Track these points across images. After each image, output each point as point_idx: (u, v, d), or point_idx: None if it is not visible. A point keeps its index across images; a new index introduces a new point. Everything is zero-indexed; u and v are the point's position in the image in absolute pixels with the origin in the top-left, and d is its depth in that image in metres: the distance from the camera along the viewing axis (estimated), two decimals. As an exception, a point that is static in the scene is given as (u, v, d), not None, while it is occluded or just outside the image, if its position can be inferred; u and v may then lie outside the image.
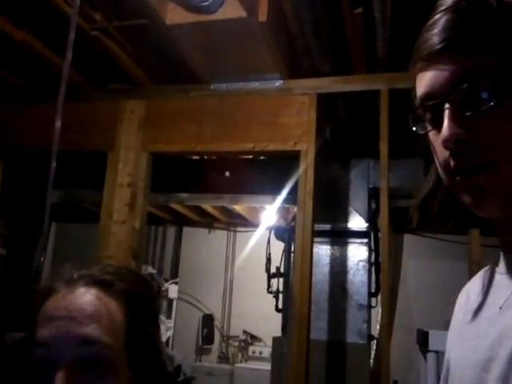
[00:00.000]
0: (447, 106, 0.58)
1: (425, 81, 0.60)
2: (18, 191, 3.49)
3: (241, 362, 5.31)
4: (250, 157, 3.25)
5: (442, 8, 0.59)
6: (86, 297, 0.71)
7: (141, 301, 0.76)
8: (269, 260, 3.80)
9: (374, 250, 3.29)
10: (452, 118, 0.57)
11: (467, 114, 0.57)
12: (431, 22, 0.60)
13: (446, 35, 0.57)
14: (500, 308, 0.62)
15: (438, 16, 0.59)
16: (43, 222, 1.65)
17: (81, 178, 3.40)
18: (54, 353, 0.67)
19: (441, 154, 0.61)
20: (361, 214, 3.29)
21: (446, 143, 0.58)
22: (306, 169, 2.47)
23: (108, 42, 2.36)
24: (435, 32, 0.58)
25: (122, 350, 0.70)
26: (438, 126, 0.60)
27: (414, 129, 0.64)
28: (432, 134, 0.62)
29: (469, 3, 0.57)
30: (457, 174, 0.59)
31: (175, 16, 2.17)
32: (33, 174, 3.08)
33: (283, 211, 3.97)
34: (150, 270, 5.23)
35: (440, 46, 0.57)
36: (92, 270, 0.75)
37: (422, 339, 2.20)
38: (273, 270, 3.78)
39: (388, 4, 2.21)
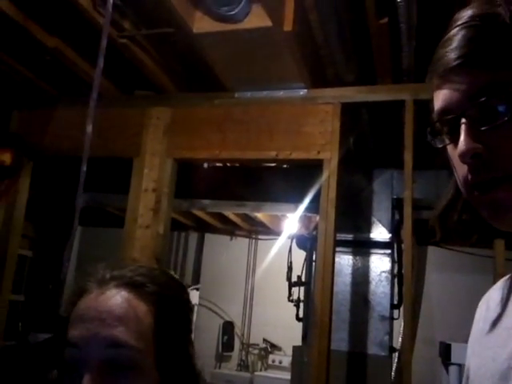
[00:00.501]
0: (463, 120, 0.59)
1: (441, 96, 0.62)
2: (46, 195, 3.57)
3: (260, 370, 5.29)
4: (273, 165, 3.27)
5: (457, 24, 0.61)
6: (115, 299, 0.71)
7: (172, 303, 0.76)
8: (290, 268, 3.80)
9: (397, 261, 3.25)
10: (468, 133, 0.58)
11: (483, 128, 0.58)
12: (446, 38, 0.61)
13: (461, 52, 0.58)
14: None
15: (452, 32, 0.61)
16: (72, 226, 1.69)
17: (106, 183, 3.45)
18: (83, 353, 0.68)
19: (459, 167, 0.62)
20: (384, 225, 3.26)
21: (463, 158, 0.59)
22: (328, 177, 2.47)
23: (136, 49, 2.41)
24: (450, 48, 0.60)
25: (151, 353, 0.70)
26: (455, 141, 0.61)
27: (432, 142, 0.65)
28: (450, 148, 0.63)
29: (482, 20, 0.59)
30: (475, 188, 0.60)
31: (202, 25, 2.21)
32: (61, 177, 3.15)
33: (305, 220, 3.97)
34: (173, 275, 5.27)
35: (456, 62, 0.59)
36: (124, 271, 0.76)
37: (445, 352, 2.17)
38: (294, 278, 3.77)
39: (414, 14, 2.20)
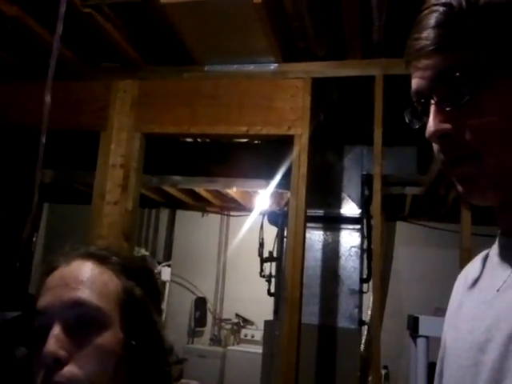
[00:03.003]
0: (432, 101, 0.62)
1: (414, 79, 0.65)
2: (8, 169, 3.46)
3: (233, 344, 5.35)
4: (245, 140, 3.24)
5: (425, 7, 0.64)
6: (81, 267, 0.76)
7: (137, 276, 0.80)
8: (261, 244, 3.82)
9: (366, 236, 3.30)
10: (436, 114, 0.61)
11: (447, 109, 0.60)
12: (416, 22, 0.65)
13: (428, 36, 0.62)
14: (497, 290, 0.63)
15: (421, 16, 0.64)
16: (32, 201, 1.65)
17: (74, 159, 3.38)
18: (50, 318, 0.72)
19: (434, 147, 0.64)
20: (354, 200, 3.29)
21: (431, 138, 0.62)
22: (299, 153, 2.46)
23: (101, 19, 2.33)
24: (419, 33, 0.63)
25: (116, 314, 0.74)
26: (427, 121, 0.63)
27: (411, 123, 0.68)
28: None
29: (447, 4, 0.61)
30: (447, 164, 0.63)
31: (170, -5, 2.14)
32: (23, 151, 3.05)
33: (277, 196, 3.98)
34: (143, 252, 5.24)
35: (422, 46, 0.62)
36: (89, 248, 0.81)
37: (413, 324, 2.22)
38: (266, 254, 3.79)
39: (385, -13, 2.18)
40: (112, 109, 2.65)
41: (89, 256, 0.78)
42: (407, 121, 0.68)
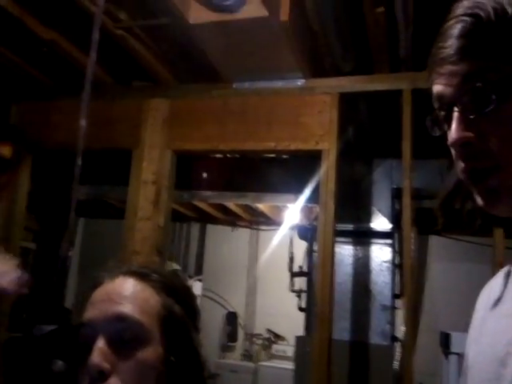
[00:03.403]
0: (455, 108, 0.61)
1: (438, 85, 0.64)
2: (47, 187, 3.58)
3: (264, 360, 5.33)
4: (273, 155, 3.27)
5: (452, 16, 0.64)
6: (124, 283, 0.81)
7: (176, 293, 0.84)
8: (291, 259, 3.82)
9: (398, 251, 3.26)
10: (459, 121, 0.60)
11: (471, 116, 0.59)
12: (441, 31, 0.65)
13: (453, 45, 0.62)
14: None
15: (447, 25, 0.64)
16: (69, 217, 1.70)
17: (108, 175, 3.47)
18: (94, 330, 0.76)
19: (455, 155, 0.63)
20: (384, 215, 3.27)
21: (453, 146, 0.61)
22: (327, 168, 2.47)
23: (132, 40, 2.41)
24: (445, 41, 0.63)
25: (156, 330, 0.77)
26: (450, 128, 0.63)
27: (432, 130, 0.67)
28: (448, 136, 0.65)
29: (474, 13, 0.61)
30: (469, 177, 0.62)
31: (198, 15, 2.20)
32: (62, 170, 3.17)
33: (306, 210, 3.97)
34: (175, 266, 5.30)
35: (449, 54, 0.62)
36: (131, 265, 0.86)
37: (445, 341, 2.18)
38: (296, 269, 3.78)
39: (410, 2, 2.19)
40: (144, 127, 2.72)
41: (131, 273, 0.82)
42: (428, 128, 0.67)
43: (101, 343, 0.74)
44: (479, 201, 0.62)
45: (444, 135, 0.65)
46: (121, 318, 0.76)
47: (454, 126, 0.61)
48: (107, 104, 2.80)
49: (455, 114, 0.61)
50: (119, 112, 2.82)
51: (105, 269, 0.85)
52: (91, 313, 0.78)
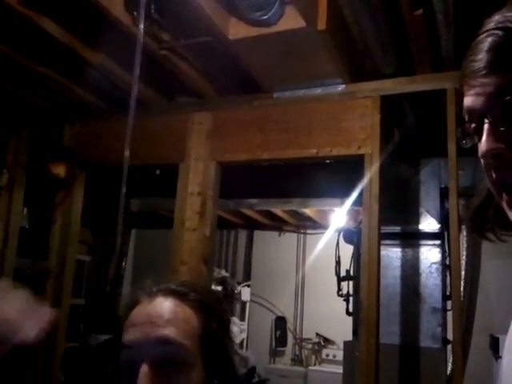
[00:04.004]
0: (486, 120, 0.62)
1: (469, 97, 0.65)
2: (101, 202, 3.73)
3: (314, 364, 5.32)
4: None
5: (484, 29, 0.64)
6: (164, 304, 0.80)
7: (213, 310, 0.84)
8: (338, 263, 3.80)
9: (448, 251, 3.20)
10: (490, 133, 0.61)
11: (502, 128, 0.60)
12: (473, 44, 0.65)
13: (485, 58, 0.62)
14: None
15: (479, 39, 0.64)
16: (121, 230, 1.79)
17: (157, 187, 3.58)
18: (138, 353, 0.76)
19: (485, 167, 0.64)
20: (432, 215, 3.21)
21: (484, 158, 0.62)
22: (370, 172, 2.47)
23: (175, 59, 2.50)
24: (476, 54, 0.63)
25: (197, 351, 0.77)
26: (480, 140, 0.63)
27: (463, 142, 0.68)
28: (479, 147, 0.66)
29: (502, 29, 0.62)
30: (501, 188, 0.62)
31: (237, 31, 2.26)
32: (115, 185, 3.31)
33: (353, 213, 3.95)
34: (223, 273, 5.37)
35: (480, 67, 0.62)
36: (169, 284, 0.86)
37: (494, 345, 2.13)
38: (343, 272, 3.76)
39: (450, 2, 2.16)
40: (189, 140, 2.81)
41: (170, 293, 0.82)
42: (459, 139, 0.69)
43: (146, 368, 0.73)
44: (510, 213, 0.63)
45: (475, 147, 0.66)
46: (165, 342, 0.76)
47: (484, 137, 0.61)
48: (154, 121, 2.91)
49: (486, 126, 0.62)
50: (165, 128, 2.92)
51: (142, 287, 0.85)
52: (133, 335, 0.78)
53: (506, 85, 0.60)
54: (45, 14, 2.19)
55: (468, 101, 0.65)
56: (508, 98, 0.60)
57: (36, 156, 3.14)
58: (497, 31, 0.62)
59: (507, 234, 0.74)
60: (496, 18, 0.63)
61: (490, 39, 0.62)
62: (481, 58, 0.62)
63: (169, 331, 0.76)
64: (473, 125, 0.65)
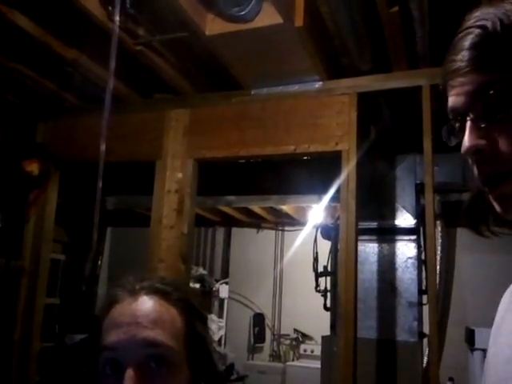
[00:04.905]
0: (468, 118, 0.63)
1: (451, 97, 0.66)
2: (76, 200, 3.68)
3: (292, 360, 5.35)
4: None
5: (463, 28, 0.66)
6: (149, 304, 0.78)
7: (195, 308, 0.83)
8: (316, 259, 3.82)
9: (424, 246, 3.24)
10: (471, 130, 0.63)
11: (482, 125, 0.62)
12: (455, 41, 0.66)
13: (464, 57, 0.63)
14: None
15: (458, 37, 0.66)
16: (96, 228, 1.76)
17: (134, 185, 3.54)
18: (122, 355, 0.73)
19: (470, 163, 0.66)
20: (408, 211, 3.25)
21: (466, 154, 0.63)
22: (347, 169, 2.48)
23: (151, 55, 2.47)
24: (456, 53, 0.65)
25: (183, 351, 0.76)
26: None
27: (448, 140, 0.69)
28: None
29: (484, 25, 0.63)
30: (485, 183, 0.64)
31: (214, 26, 2.24)
32: (89, 182, 3.27)
33: (330, 209, 3.98)
34: (201, 271, 5.36)
35: (460, 66, 0.64)
36: (152, 282, 0.83)
37: (469, 337, 2.17)
38: (321, 268, 3.79)
39: (425, 1, 2.19)
40: (166, 138, 2.78)
41: (154, 291, 0.80)
42: (444, 138, 0.70)
43: (131, 370, 0.71)
44: (496, 207, 0.64)
45: (459, 144, 0.67)
46: (152, 344, 0.74)
47: (466, 134, 0.63)
48: (130, 117, 2.88)
49: (468, 123, 0.63)
50: (142, 124, 2.88)
51: (123, 284, 0.82)
52: (116, 336, 0.75)
53: (486, 82, 0.61)
54: (17, 8, 2.15)
55: (451, 99, 0.66)
56: (487, 94, 0.61)
57: (8, 153, 3.07)
58: (476, 29, 0.63)
59: (500, 230, 0.76)
60: (475, 15, 0.64)
61: (469, 37, 0.63)
62: (461, 56, 0.63)
63: (155, 333, 0.74)
64: (457, 123, 0.66)
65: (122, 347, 0.74)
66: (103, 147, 1.57)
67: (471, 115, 0.63)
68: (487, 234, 0.75)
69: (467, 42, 0.63)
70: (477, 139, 0.62)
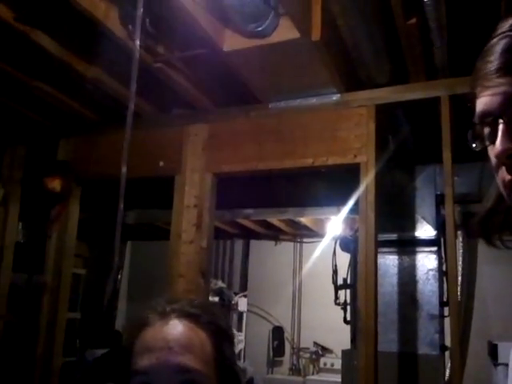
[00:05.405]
0: (501, 121, 0.61)
1: (482, 101, 0.64)
2: (97, 215, 3.72)
3: (312, 374, 5.29)
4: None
5: (497, 33, 0.64)
6: (179, 328, 0.79)
7: (223, 331, 0.84)
8: (335, 271, 3.80)
9: (445, 257, 3.20)
10: (505, 133, 0.60)
11: None
12: (487, 48, 0.65)
13: (500, 60, 0.62)
14: None
15: (492, 42, 0.64)
16: (118, 243, 1.78)
17: (153, 199, 3.57)
18: (154, 380, 0.75)
19: (498, 169, 0.63)
20: (428, 222, 3.22)
21: (499, 158, 0.61)
22: (366, 181, 2.47)
23: (170, 71, 2.50)
24: (492, 56, 0.63)
25: (213, 376, 0.77)
26: (494, 142, 0.62)
27: (474, 145, 0.67)
28: (490, 150, 0.65)
29: None
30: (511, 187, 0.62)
31: (232, 43, 2.27)
32: (111, 198, 3.31)
33: (349, 221, 3.95)
34: (220, 284, 5.35)
35: (495, 70, 0.62)
36: (181, 304, 0.84)
37: (492, 352, 2.12)
38: (340, 281, 3.76)
39: (443, 11, 2.18)
40: (185, 152, 2.81)
41: (183, 315, 0.81)
42: (468, 142, 0.67)
43: None
44: None
45: (484, 150, 0.66)
46: (184, 371, 0.75)
47: (499, 137, 0.60)
48: (149, 133, 2.91)
49: (501, 126, 0.61)
50: (161, 140, 2.91)
51: (154, 307, 0.83)
52: (148, 361, 0.76)
53: None
54: (39, 28, 2.20)
55: (482, 102, 0.64)
56: None
57: (31, 170, 3.13)
58: (510, 33, 0.61)
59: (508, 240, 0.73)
60: (510, 21, 0.63)
61: (505, 41, 0.62)
62: (496, 59, 0.62)
63: (187, 359, 0.76)
64: (486, 126, 0.64)
65: (155, 372, 0.75)
66: (124, 169, 1.58)
67: (505, 118, 0.61)
68: (500, 246, 0.72)
69: (504, 44, 0.62)
70: (511, 142, 0.59)
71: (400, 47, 2.46)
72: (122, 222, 1.86)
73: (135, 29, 1.83)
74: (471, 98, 0.67)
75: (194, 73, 2.59)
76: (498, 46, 0.62)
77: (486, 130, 0.64)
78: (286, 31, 2.21)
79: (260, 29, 2.16)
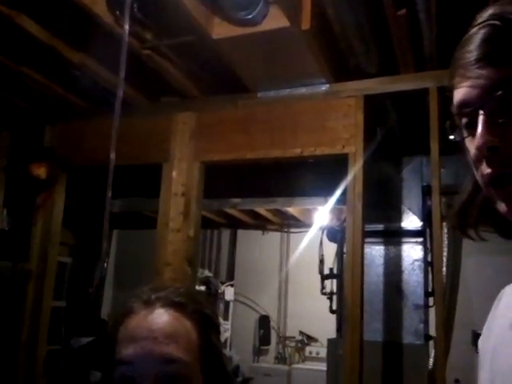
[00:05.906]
0: (481, 112, 0.60)
1: (462, 90, 0.63)
2: (83, 203, 3.69)
3: (298, 362, 5.33)
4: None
5: (477, 23, 0.63)
6: (164, 317, 0.78)
7: (210, 319, 0.83)
8: (322, 261, 3.81)
9: (430, 248, 3.23)
10: (485, 126, 0.59)
11: (500, 120, 0.59)
12: (466, 37, 0.63)
13: (479, 50, 0.60)
14: None
15: (472, 31, 0.62)
16: (104, 234, 1.77)
17: (140, 188, 3.55)
18: (138, 370, 0.74)
19: (477, 161, 0.62)
20: (415, 213, 3.24)
21: (480, 150, 0.60)
22: (354, 171, 2.48)
23: (159, 58, 2.47)
24: (470, 47, 0.62)
25: (197, 365, 0.77)
26: (473, 134, 0.61)
27: (452, 136, 0.66)
28: (468, 141, 0.64)
29: (501, 19, 0.61)
30: (492, 182, 0.61)
31: (221, 30, 2.25)
32: (97, 185, 3.28)
33: (336, 211, 3.97)
34: (207, 273, 5.36)
35: (474, 60, 0.61)
36: (167, 292, 0.82)
37: (476, 341, 2.14)
38: (326, 271, 3.78)
39: (432, 2, 2.18)
40: (173, 141, 2.79)
41: (169, 304, 0.80)
42: (447, 133, 0.66)
43: None
44: (502, 207, 0.61)
45: (462, 141, 0.65)
46: (169, 360, 0.74)
47: (480, 129, 0.59)
48: (137, 121, 2.88)
49: (481, 118, 0.60)
50: (149, 128, 2.89)
51: (139, 295, 0.82)
52: (133, 350, 0.75)
53: (504, 78, 0.58)
54: (25, 12, 2.16)
55: (461, 92, 0.63)
56: (506, 91, 0.58)
57: (16, 157, 3.09)
58: (493, 22, 0.60)
59: (489, 232, 0.73)
60: (491, 11, 0.62)
61: (485, 30, 0.60)
62: (475, 49, 0.60)
63: (171, 348, 0.75)
64: (464, 117, 0.63)
65: (139, 362, 0.74)
66: (113, 155, 1.56)
67: (486, 110, 0.59)
68: (476, 238, 0.72)
69: (484, 34, 0.60)
70: (491, 135, 0.58)
71: (389, 38, 2.46)
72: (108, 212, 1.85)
73: (123, 14, 1.81)
74: (450, 88, 0.65)
75: (182, 60, 2.57)
76: (477, 35, 0.61)
77: (464, 121, 0.63)
78: (275, 20, 2.20)
79: (250, 16, 2.15)
